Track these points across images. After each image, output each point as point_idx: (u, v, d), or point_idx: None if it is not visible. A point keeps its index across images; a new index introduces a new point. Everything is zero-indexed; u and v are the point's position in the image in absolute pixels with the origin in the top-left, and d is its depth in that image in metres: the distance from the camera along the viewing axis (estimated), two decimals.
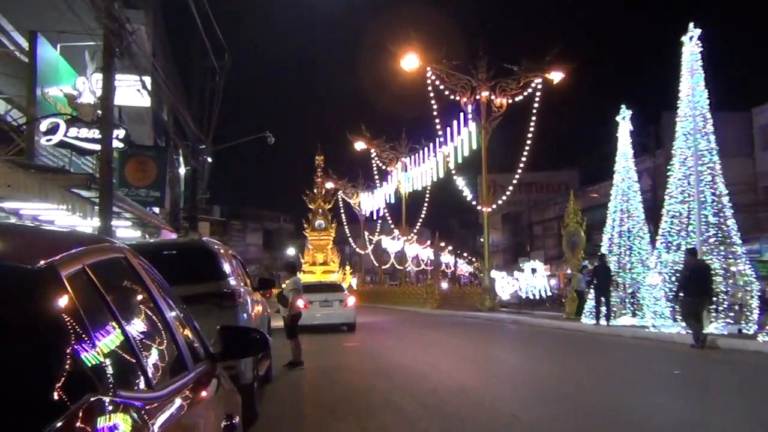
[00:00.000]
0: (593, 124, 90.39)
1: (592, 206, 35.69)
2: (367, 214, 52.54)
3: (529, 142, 29.23)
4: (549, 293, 33.14)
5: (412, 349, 15.24)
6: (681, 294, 14.18)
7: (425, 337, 18.43)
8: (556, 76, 27.89)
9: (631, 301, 18.64)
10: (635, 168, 19.76)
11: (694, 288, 13.86)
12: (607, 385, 9.76)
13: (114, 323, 1.78)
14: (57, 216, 11.89)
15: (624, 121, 19.47)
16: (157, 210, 21.59)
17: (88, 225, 11.94)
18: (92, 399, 1.39)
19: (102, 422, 1.39)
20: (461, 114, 30.65)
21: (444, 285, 43.75)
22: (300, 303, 12.95)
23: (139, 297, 2.34)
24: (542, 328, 20.54)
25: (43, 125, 12.96)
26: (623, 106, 19.56)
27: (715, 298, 14.55)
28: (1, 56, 12.93)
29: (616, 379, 10.41)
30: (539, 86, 28.13)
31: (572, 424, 7.03)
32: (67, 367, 1.39)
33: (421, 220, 46.83)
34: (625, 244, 18.98)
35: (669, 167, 16.81)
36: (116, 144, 13.49)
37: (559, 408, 7.88)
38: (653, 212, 22.58)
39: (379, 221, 53.93)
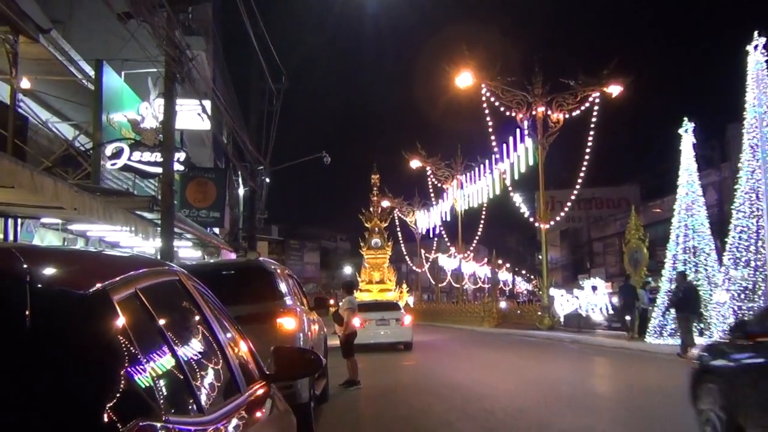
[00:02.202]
0: (654, 138, 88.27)
1: (654, 222, 34.72)
2: (423, 232, 52.39)
3: (587, 157, 28.72)
4: (611, 311, 32.24)
5: (470, 369, 15.04)
6: (671, 311, 16.62)
7: (483, 357, 18.17)
8: (615, 90, 27.35)
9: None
10: (699, 182, 19.13)
11: (685, 306, 15.88)
12: (675, 408, 9.37)
13: (165, 346, 1.79)
14: (121, 237, 12.28)
15: (687, 133, 18.90)
16: (217, 230, 22.07)
17: (151, 246, 12.28)
18: (142, 423, 1.40)
19: None
20: (517, 130, 30.39)
21: (502, 303, 43.15)
22: (356, 322, 12.97)
23: (192, 319, 2.36)
24: (604, 348, 19.97)
25: (108, 150, 13.45)
26: (686, 119, 19.01)
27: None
28: (70, 84, 13.49)
29: (683, 403, 9.99)
30: (597, 100, 27.65)
31: None
32: (116, 390, 1.40)
33: (477, 237, 46.46)
34: (690, 261, 18.36)
35: (736, 180, 16.21)
36: (177, 167, 13.86)
37: (620, 431, 7.61)
38: (720, 227, 21.76)
39: (436, 239, 53.69)
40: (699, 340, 15.48)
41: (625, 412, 8.86)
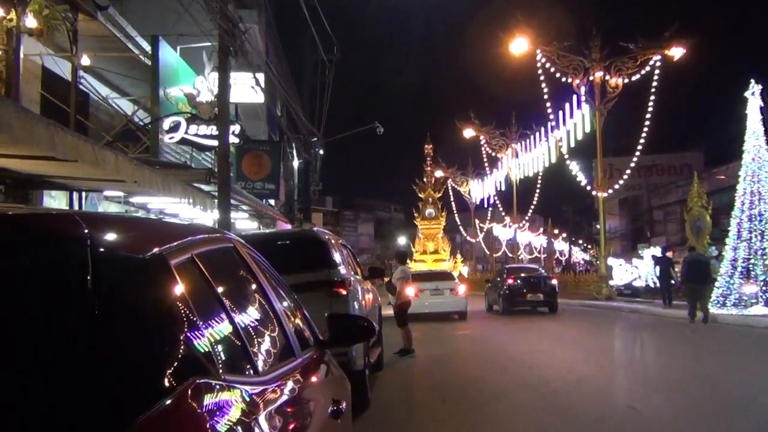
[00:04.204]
0: (719, 102, 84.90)
1: (718, 189, 33.52)
2: (477, 202, 51.95)
3: (647, 122, 27.85)
4: (672, 281, 31.52)
5: (526, 338, 14.98)
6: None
7: (539, 326, 18.06)
8: (677, 52, 26.34)
9: (764, 289, 17.40)
10: (767, 147, 18.35)
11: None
12: (737, 378, 9.15)
13: (221, 310, 1.84)
14: (180, 209, 12.59)
15: (753, 96, 18.11)
16: (272, 202, 22.41)
17: (209, 217, 12.57)
18: (199, 381, 1.45)
19: (209, 403, 1.44)
20: (574, 96, 29.62)
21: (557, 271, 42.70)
22: (409, 291, 13.04)
23: (247, 285, 2.41)
24: (663, 318, 19.60)
25: (166, 124, 13.76)
26: (752, 81, 18.21)
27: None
28: (127, 60, 13.80)
29: (747, 372, 9.75)
30: (658, 63, 26.70)
31: (695, 419, 6.65)
32: (175, 350, 1.45)
33: (533, 206, 45.85)
34: (756, 229, 17.72)
35: None
36: (233, 139, 14.10)
37: (681, 401, 7.48)
38: None
39: (490, 209, 53.26)
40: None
41: (681, 377, 8.69)
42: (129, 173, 7.88)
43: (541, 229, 66.53)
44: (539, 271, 24.73)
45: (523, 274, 23.05)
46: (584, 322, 19.61)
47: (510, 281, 22.63)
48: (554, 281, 23.79)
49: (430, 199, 47.90)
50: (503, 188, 45.41)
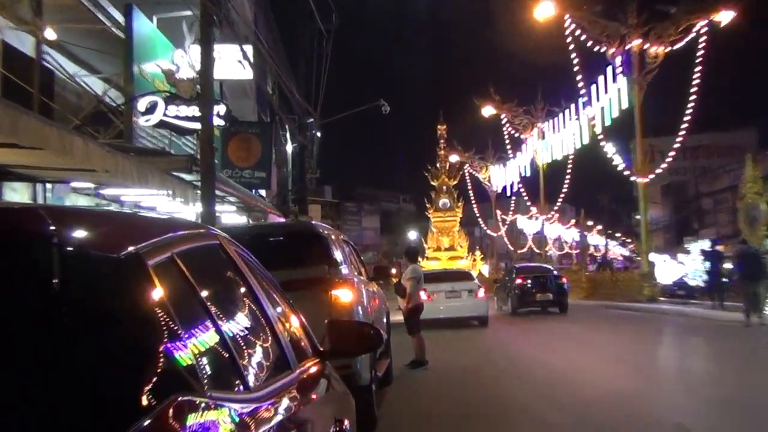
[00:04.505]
0: None
1: None
2: (499, 191, 51.98)
3: (693, 97, 27.73)
4: (724, 279, 31.43)
5: (557, 347, 14.97)
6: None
7: (571, 333, 18.05)
8: (725, 17, 26.15)
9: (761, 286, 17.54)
10: None
11: (747, 272, 17.47)
12: None
13: (205, 317, 1.84)
14: (158, 202, 12.63)
15: None
16: (263, 192, 22.44)
17: (191, 211, 12.60)
18: (182, 398, 1.45)
19: (193, 423, 1.44)
20: (608, 68, 29.53)
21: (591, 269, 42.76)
22: (422, 294, 13.04)
23: (236, 289, 2.42)
24: (714, 322, 19.53)
25: (141, 104, 13.76)
26: None
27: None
28: (98, 33, 13.80)
29: None
30: (704, 30, 26.54)
31: None
32: (153, 364, 1.45)
33: (562, 195, 45.72)
34: None
35: None
36: (217, 121, 14.10)
37: (735, 420, 7.46)
38: None
39: (513, 198, 53.25)
40: None
41: (735, 392, 8.65)
42: (100, 161, 7.90)
43: (573, 221, 66.47)
44: (549, 270, 27.33)
45: (532, 274, 25.54)
46: (621, 327, 19.58)
47: (519, 281, 25.03)
48: (564, 280, 26.27)
49: (445, 188, 47.88)
50: (528, 174, 45.47)
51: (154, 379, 1.41)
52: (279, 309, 2.84)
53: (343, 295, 7.24)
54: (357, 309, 7.54)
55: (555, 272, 27.14)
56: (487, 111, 43.22)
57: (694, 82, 27.41)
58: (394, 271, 15.02)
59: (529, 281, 24.92)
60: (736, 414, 7.66)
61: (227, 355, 1.88)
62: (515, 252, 57.68)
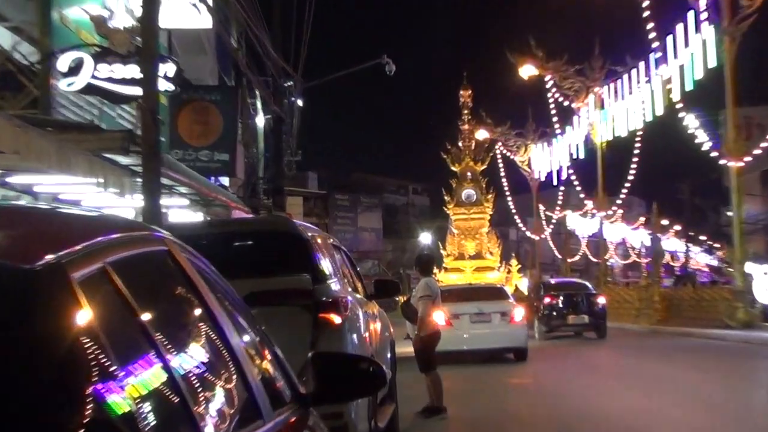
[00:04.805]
0: None
1: None
2: (542, 179, 51.88)
3: None
4: None
5: (620, 390, 14.95)
6: None
7: (640, 372, 18.01)
8: None
9: None
10: None
11: None
12: None
13: (148, 349, 1.84)
14: (84, 194, 12.63)
15: None
16: (226, 181, 22.45)
17: (128, 206, 12.60)
18: None
19: None
20: (689, 13, 29.50)
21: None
22: (438, 318, 13.03)
23: (189, 311, 2.41)
24: None
25: (63, 62, 13.75)
26: None
27: None
28: None
29: None
30: None
31: None
32: (76, 412, 1.45)
33: (627, 185, 45.64)
34: None
35: None
36: (164, 85, 14.08)
37: None
38: None
39: (562, 189, 53.12)
40: None
41: None
42: (8, 140, 7.90)
43: (642, 219, 66.38)
44: (584, 286, 30.74)
45: (563, 291, 27.96)
46: (710, 363, 19.51)
47: (548, 300, 27.06)
48: (602, 299, 28.95)
49: (470, 175, 47.74)
50: (582, 156, 45.28)
51: None
52: (247, 338, 2.84)
53: (332, 318, 7.25)
54: (351, 338, 7.55)
55: (591, 289, 30.34)
56: (527, 71, 43.10)
57: None
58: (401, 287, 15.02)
59: (560, 300, 26.77)
60: None
61: (177, 400, 1.88)
62: (564, 261, 57.54)
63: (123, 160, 11.90)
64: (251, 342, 2.89)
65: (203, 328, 2.41)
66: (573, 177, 47.89)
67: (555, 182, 50.83)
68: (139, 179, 11.42)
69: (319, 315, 7.18)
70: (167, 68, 14.54)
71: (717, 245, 73.24)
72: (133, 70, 13.47)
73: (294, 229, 8.14)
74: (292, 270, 7.44)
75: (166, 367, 1.88)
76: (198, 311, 2.44)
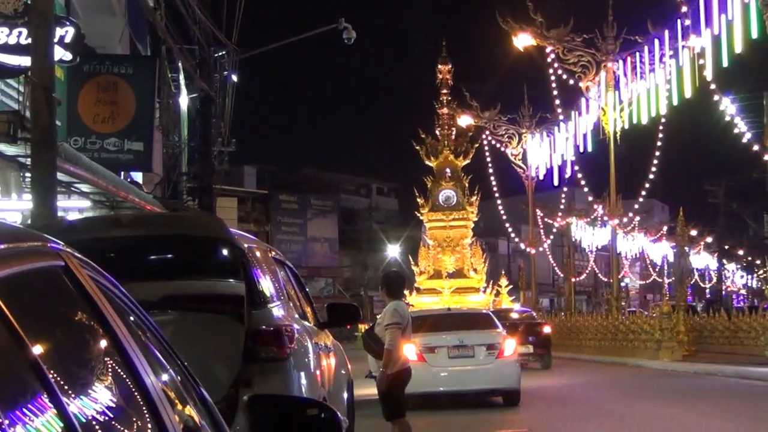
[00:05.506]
0: None
1: None
2: (541, 177, 52.09)
3: None
4: None
5: None
6: None
7: (659, 420, 18.16)
8: None
9: None
10: None
11: None
12: None
13: (40, 390, 1.84)
14: None
15: None
16: (139, 177, 22.37)
17: (14, 207, 12.54)
18: None
19: None
20: None
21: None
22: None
23: (91, 342, 2.41)
24: None
25: None
26: None
27: None
28: None
29: None
30: None
31: None
32: None
33: (647, 185, 45.95)
34: None
35: None
36: (61, 54, 14.03)
37: None
38: None
39: (564, 189, 53.37)
40: None
41: None
42: None
43: (664, 229, 66.85)
44: (527, 313, 36.81)
45: (507, 321, 30.18)
46: (748, 411, 19.67)
47: None
48: (546, 328, 35.10)
49: (449, 171, 47.90)
50: (590, 149, 45.43)
51: None
52: (166, 377, 2.83)
53: (274, 352, 7.26)
54: (297, 376, 7.58)
55: (535, 317, 37.74)
56: (522, 42, 43.19)
57: None
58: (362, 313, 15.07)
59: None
60: None
61: None
62: (566, 280, 57.75)
63: (8, 149, 11.85)
64: (171, 382, 2.88)
65: (109, 364, 2.40)
66: (579, 175, 48.06)
67: (556, 182, 50.94)
68: (29, 174, 11.38)
69: (258, 346, 7.18)
70: (65, 32, 14.49)
71: (758, 262, 73.75)
72: (21, 35, 13.41)
73: (221, 230, 7.84)
74: (216, 271, 7.47)
75: (62, 413, 1.87)
76: (103, 343, 2.42)
